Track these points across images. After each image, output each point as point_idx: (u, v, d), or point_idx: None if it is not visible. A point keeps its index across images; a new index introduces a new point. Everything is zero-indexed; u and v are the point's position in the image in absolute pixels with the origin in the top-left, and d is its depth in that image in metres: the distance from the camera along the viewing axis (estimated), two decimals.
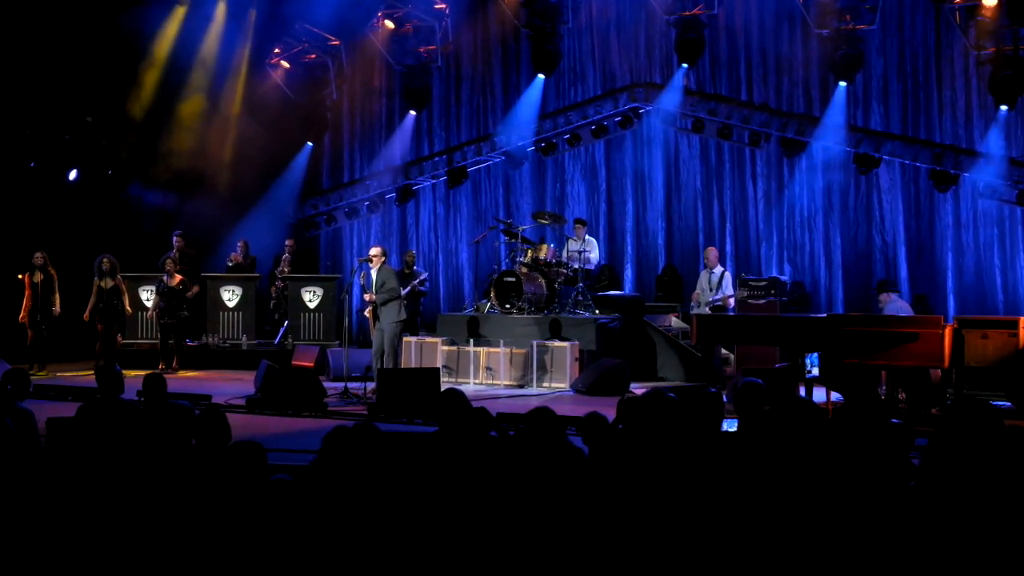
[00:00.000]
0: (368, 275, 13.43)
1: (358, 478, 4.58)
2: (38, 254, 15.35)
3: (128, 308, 15.80)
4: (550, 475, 4.92)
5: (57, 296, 15.38)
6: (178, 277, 15.84)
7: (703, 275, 15.35)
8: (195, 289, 16.22)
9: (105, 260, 15.47)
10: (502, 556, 4.37)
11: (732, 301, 15.01)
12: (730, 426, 5.86)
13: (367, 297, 13.42)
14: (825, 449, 5.10)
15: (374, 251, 13.44)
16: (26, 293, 15.26)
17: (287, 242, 18.41)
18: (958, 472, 4.52)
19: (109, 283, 15.47)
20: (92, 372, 14.82)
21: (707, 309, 14.67)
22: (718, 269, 15.21)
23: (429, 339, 15.04)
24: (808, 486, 4.78)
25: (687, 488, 4.79)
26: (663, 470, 4.94)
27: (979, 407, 4.95)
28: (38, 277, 15.27)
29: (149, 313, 16.34)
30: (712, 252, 15.50)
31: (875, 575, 4.28)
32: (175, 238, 17.15)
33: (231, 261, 17.96)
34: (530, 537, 4.41)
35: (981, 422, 4.74)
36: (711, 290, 15.07)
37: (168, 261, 16.01)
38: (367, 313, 13.54)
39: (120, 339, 16.18)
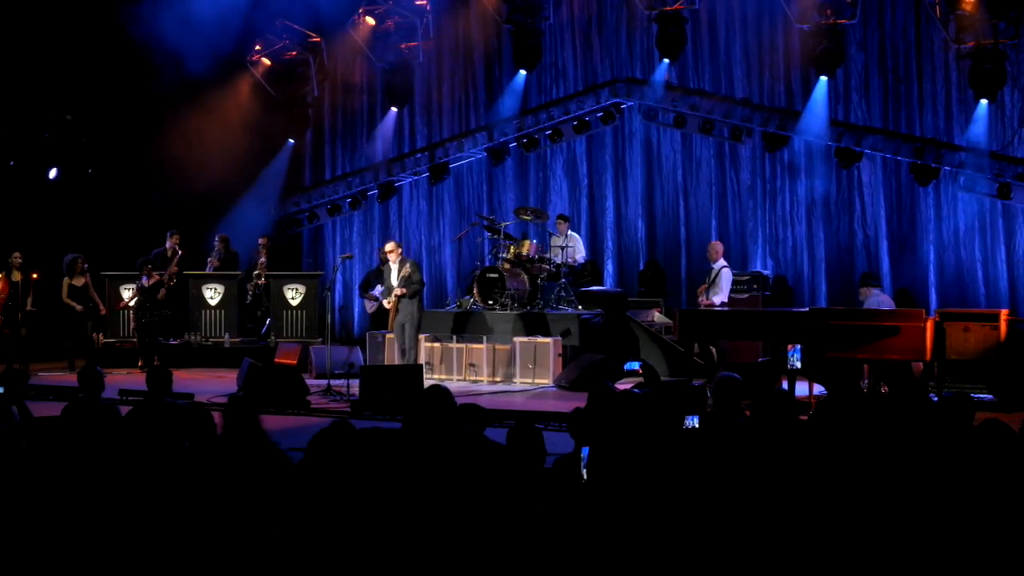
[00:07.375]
0: (388, 272, 13.98)
1: (337, 476, 4.56)
2: (15, 254, 15.26)
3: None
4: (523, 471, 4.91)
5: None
6: (156, 276, 15.75)
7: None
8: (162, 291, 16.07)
9: (80, 259, 15.45)
10: (479, 553, 4.35)
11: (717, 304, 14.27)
12: (693, 422, 5.83)
13: (398, 291, 13.78)
14: (801, 444, 5.10)
15: (389, 247, 14.15)
16: (2, 292, 15.14)
17: (260, 240, 17.83)
18: (934, 463, 4.53)
19: (82, 281, 15.48)
20: (67, 368, 14.97)
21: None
22: (717, 264, 14.16)
23: None
24: (782, 481, 4.78)
25: (653, 485, 4.79)
26: (628, 467, 4.95)
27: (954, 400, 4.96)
28: (16, 276, 15.17)
29: (122, 304, 16.26)
30: (713, 246, 14.49)
31: (847, 565, 4.29)
32: (169, 237, 16.84)
33: (212, 265, 17.68)
34: (504, 533, 4.39)
35: (955, 415, 4.76)
36: (708, 288, 14.38)
37: (147, 264, 15.91)
38: (387, 304, 14.02)
39: (100, 337, 16.10)
